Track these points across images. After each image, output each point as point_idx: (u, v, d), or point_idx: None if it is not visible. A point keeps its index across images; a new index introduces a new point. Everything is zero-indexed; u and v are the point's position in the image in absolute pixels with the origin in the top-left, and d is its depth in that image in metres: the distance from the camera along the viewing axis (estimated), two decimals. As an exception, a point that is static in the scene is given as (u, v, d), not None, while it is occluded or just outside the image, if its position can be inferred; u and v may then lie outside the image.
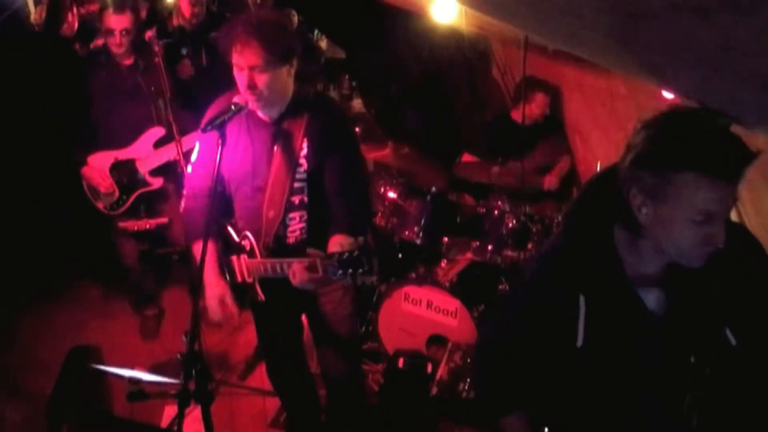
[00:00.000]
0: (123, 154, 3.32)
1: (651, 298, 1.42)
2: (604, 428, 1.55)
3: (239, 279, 2.33)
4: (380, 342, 3.41)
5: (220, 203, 2.29)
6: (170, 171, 3.36)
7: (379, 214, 3.57)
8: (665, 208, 1.28)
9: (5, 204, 3.78)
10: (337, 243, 2.08)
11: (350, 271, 1.89)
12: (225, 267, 2.35)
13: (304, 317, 2.66)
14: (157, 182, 3.38)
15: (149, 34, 3.08)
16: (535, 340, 1.53)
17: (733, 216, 2.02)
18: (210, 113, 2.23)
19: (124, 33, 3.18)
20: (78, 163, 3.31)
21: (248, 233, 2.28)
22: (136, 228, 3.27)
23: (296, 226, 2.31)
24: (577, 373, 1.50)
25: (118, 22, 3.16)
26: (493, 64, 5.08)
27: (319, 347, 2.66)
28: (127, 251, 3.63)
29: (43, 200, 3.98)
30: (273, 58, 2.04)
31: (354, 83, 5.66)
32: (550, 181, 3.95)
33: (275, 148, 2.22)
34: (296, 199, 2.26)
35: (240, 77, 2.08)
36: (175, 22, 3.90)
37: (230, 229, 2.38)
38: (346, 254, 1.89)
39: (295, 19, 4.61)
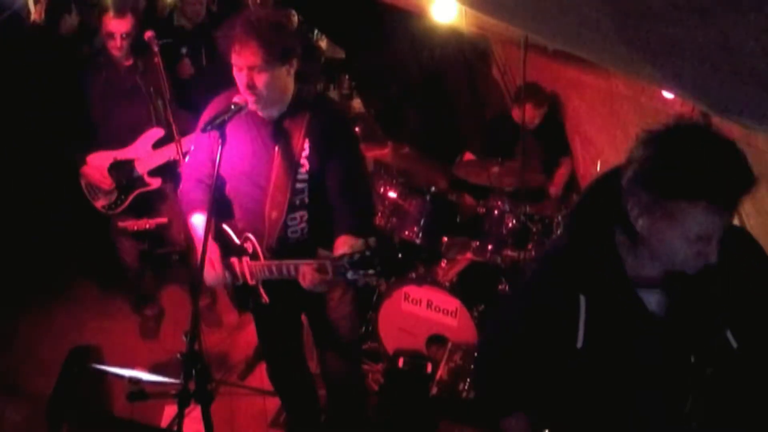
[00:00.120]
0: (122, 154, 3.31)
1: (651, 299, 1.42)
2: (604, 428, 1.55)
3: (241, 281, 2.31)
4: (380, 342, 3.41)
5: (219, 200, 2.29)
6: (169, 171, 3.36)
7: (379, 214, 3.56)
8: (660, 224, 1.29)
9: (5, 204, 3.78)
10: (345, 243, 2.06)
11: (361, 272, 1.87)
12: (226, 269, 2.33)
13: (303, 317, 2.66)
14: (155, 182, 3.38)
15: (149, 34, 3.07)
16: (535, 340, 1.53)
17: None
18: (209, 112, 2.22)
19: (124, 36, 3.18)
20: (77, 163, 3.31)
21: (250, 235, 2.26)
22: (135, 228, 3.26)
23: (297, 226, 2.30)
24: (577, 374, 1.50)
25: (118, 25, 3.15)
26: (493, 64, 5.08)
27: (319, 347, 2.66)
28: (127, 251, 3.63)
29: (43, 200, 3.98)
30: (272, 58, 2.03)
31: (354, 83, 5.65)
32: (555, 191, 3.97)
33: (276, 148, 2.21)
34: (297, 200, 2.26)
35: (239, 77, 2.08)
36: (176, 22, 3.90)
37: (229, 231, 2.35)
38: (357, 255, 1.87)
39: (295, 19, 4.60)
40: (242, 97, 2.10)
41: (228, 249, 2.34)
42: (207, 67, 3.84)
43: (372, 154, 3.69)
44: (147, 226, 3.26)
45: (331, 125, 2.25)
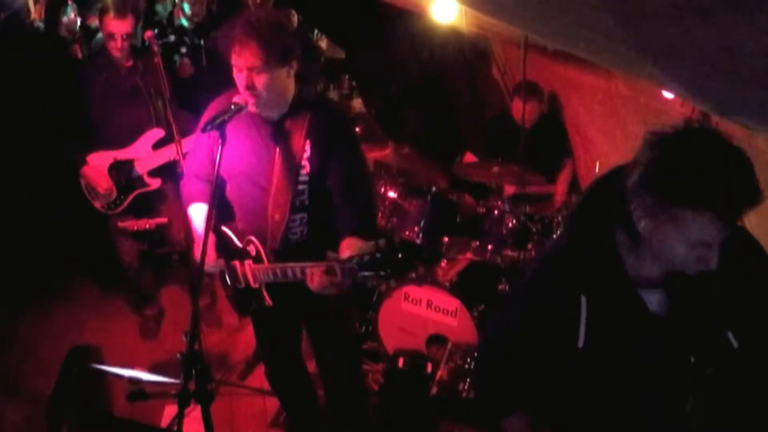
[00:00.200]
0: (122, 154, 3.31)
1: (652, 299, 1.42)
2: (604, 428, 1.55)
3: (243, 285, 2.28)
4: (380, 342, 3.41)
5: (219, 202, 2.28)
6: (169, 172, 3.36)
7: (379, 214, 3.56)
8: (662, 228, 1.29)
9: (5, 204, 3.78)
10: (352, 245, 2.03)
11: (371, 273, 1.85)
12: (226, 273, 2.31)
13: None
14: (155, 183, 3.38)
15: (149, 34, 3.07)
16: (535, 340, 1.53)
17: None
18: (209, 113, 2.21)
19: (125, 37, 3.17)
20: (77, 163, 3.31)
21: (253, 238, 2.23)
22: (135, 228, 3.26)
23: (297, 228, 2.29)
24: (577, 373, 1.50)
25: (119, 26, 3.14)
26: (493, 64, 5.09)
27: (318, 348, 2.65)
28: (127, 251, 3.63)
29: (43, 200, 3.98)
30: (271, 59, 2.02)
31: (354, 83, 5.65)
32: (560, 197, 3.97)
33: (277, 149, 2.20)
34: (297, 201, 2.25)
35: (239, 78, 2.07)
36: (176, 21, 3.90)
37: (230, 233, 2.32)
38: (368, 257, 1.85)
39: (295, 19, 4.59)
40: (242, 97, 2.09)
41: (229, 252, 2.31)
42: (207, 67, 3.83)
43: (372, 154, 3.69)
44: (147, 226, 3.26)
45: (332, 126, 2.24)
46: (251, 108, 2.11)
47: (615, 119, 3.31)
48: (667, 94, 2.41)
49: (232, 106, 2.06)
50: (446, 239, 3.60)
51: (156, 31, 3.30)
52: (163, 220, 3.33)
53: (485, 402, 1.79)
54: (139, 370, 2.25)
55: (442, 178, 3.78)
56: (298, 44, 2.17)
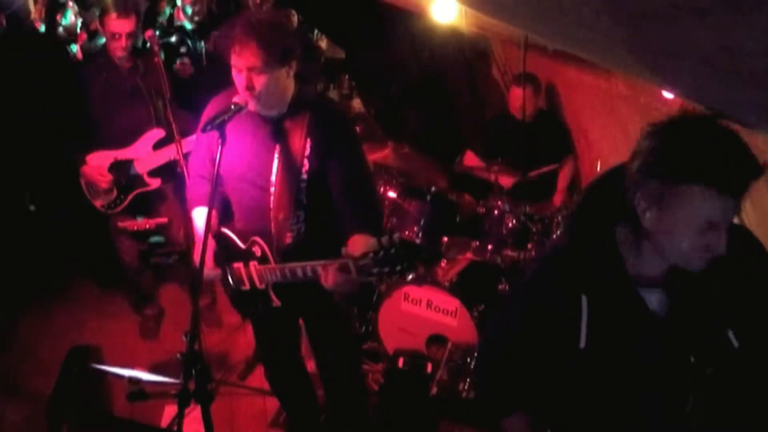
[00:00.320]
0: (122, 154, 3.31)
1: (652, 298, 1.42)
2: (604, 428, 1.55)
3: (248, 287, 2.25)
4: (380, 342, 3.41)
5: (219, 202, 2.28)
6: (169, 172, 3.36)
7: (379, 214, 3.57)
8: (669, 215, 1.29)
9: (5, 204, 3.79)
10: (361, 241, 2.01)
11: (387, 269, 1.81)
12: (228, 275, 2.29)
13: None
14: (155, 183, 3.38)
15: (149, 33, 3.07)
16: (535, 340, 1.53)
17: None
18: (209, 112, 2.21)
19: (128, 37, 3.17)
20: (77, 163, 3.31)
21: (257, 238, 2.21)
22: (135, 228, 3.26)
23: (295, 226, 2.28)
24: (577, 373, 1.50)
25: (123, 25, 3.13)
26: (493, 64, 5.09)
27: (318, 348, 2.65)
28: (127, 251, 3.63)
29: (43, 200, 3.98)
30: (271, 59, 2.02)
31: (354, 83, 5.65)
32: (559, 197, 3.97)
33: (277, 148, 2.20)
34: (297, 200, 2.25)
35: (238, 78, 2.06)
36: (176, 22, 3.91)
37: (232, 235, 2.29)
38: (382, 252, 1.81)
39: (295, 19, 4.60)
40: (242, 97, 2.09)
41: (231, 253, 2.28)
42: (207, 67, 3.84)
43: (372, 154, 3.69)
44: (147, 226, 3.26)
45: (332, 125, 2.23)
46: (251, 108, 2.10)
47: (615, 119, 3.31)
48: (667, 94, 2.41)
49: (232, 106, 2.06)
50: (446, 239, 3.60)
51: (156, 31, 3.29)
52: (163, 220, 3.33)
53: (485, 402, 1.79)
54: (139, 370, 2.25)
55: (442, 178, 3.78)
56: (298, 44, 2.17)
